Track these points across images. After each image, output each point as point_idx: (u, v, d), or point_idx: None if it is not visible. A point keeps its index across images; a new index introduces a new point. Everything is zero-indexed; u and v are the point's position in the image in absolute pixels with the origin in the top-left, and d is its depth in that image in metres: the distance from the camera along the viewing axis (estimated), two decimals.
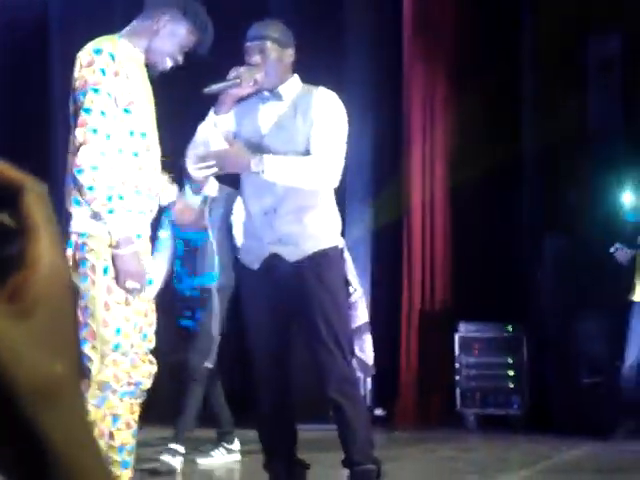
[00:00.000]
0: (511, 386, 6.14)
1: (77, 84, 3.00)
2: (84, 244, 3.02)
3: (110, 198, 2.96)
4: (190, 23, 3.16)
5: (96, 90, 2.98)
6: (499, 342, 6.19)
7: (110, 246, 3.00)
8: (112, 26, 3.29)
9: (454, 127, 6.56)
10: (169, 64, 3.19)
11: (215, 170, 3.33)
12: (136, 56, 3.15)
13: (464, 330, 6.26)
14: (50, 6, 6.87)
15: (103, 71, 2.98)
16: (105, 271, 2.99)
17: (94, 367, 3.00)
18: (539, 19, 6.26)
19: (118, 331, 3.02)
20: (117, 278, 2.99)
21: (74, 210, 3.07)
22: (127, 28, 3.16)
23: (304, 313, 3.39)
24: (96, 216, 2.98)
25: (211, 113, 3.41)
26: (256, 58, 3.37)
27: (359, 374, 3.65)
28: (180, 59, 3.19)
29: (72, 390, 0.49)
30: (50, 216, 0.50)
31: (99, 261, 2.99)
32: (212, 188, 4.87)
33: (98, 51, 3.01)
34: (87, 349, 3.02)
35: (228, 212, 4.82)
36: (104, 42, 3.04)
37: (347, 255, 3.53)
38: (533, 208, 6.30)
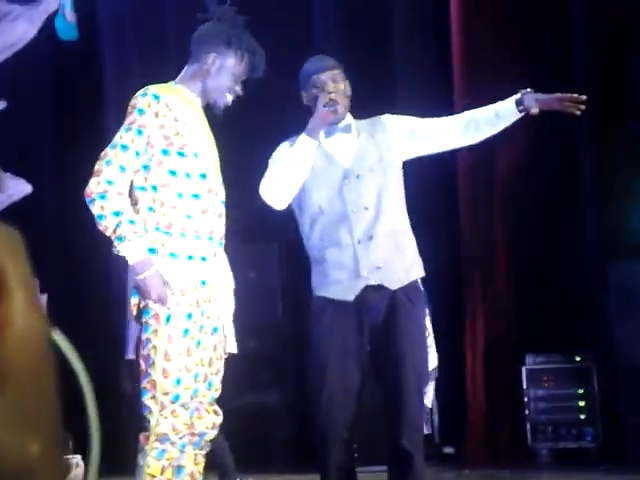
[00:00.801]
0: (583, 417, 5.98)
1: None
2: None
3: (119, 225, 2.94)
4: (237, 52, 3.14)
5: (127, 128, 3.01)
6: (568, 373, 6.04)
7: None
8: (167, 73, 3.30)
9: (508, 158, 6.46)
10: (229, 98, 3.18)
11: None
12: (192, 101, 3.13)
13: (531, 362, 6.12)
14: (104, 55, 6.95)
15: (141, 110, 3.01)
16: (168, 319, 2.96)
17: (153, 419, 2.96)
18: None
19: (178, 382, 2.98)
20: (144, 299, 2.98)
21: None
22: (180, 75, 3.19)
23: (392, 353, 3.22)
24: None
25: (304, 137, 3.29)
26: (339, 85, 3.35)
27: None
28: (239, 90, 3.19)
29: (50, 469, 0.42)
30: (24, 269, 0.43)
31: (162, 309, 2.95)
32: None
33: (144, 94, 3.04)
34: (147, 399, 2.99)
35: None
36: (153, 86, 3.07)
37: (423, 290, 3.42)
38: (594, 233, 6.17)
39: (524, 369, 6.11)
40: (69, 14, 6.10)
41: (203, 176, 3.08)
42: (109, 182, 2.95)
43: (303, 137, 3.28)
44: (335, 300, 3.30)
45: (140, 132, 2.99)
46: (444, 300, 6.55)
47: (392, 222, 3.29)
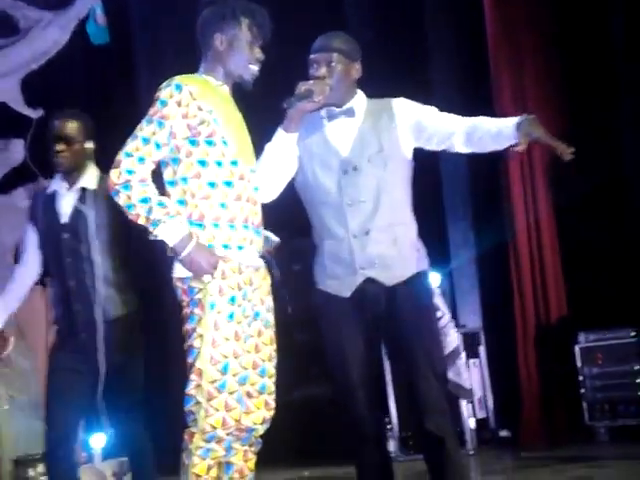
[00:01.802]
0: None
1: None
2: (191, 287, 2.96)
3: (150, 210, 2.92)
4: (235, 22, 3.10)
5: (149, 120, 2.98)
6: (623, 349, 5.94)
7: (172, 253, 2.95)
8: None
9: (551, 128, 6.37)
10: (254, 69, 3.14)
11: None
12: (218, 89, 3.10)
13: (584, 340, 6.03)
14: (137, 56, 6.96)
15: (163, 102, 2.98)
16: (212, 307, 2.92)
17: (200, 410, 2.89)
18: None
19: (225, 368, 2.92)
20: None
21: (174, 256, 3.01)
22: (201, 68, 3.15)
23: (399, 341, 3.20)
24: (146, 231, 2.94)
25: (280, 132, 3.26)
26: (323, 70, 3.24)
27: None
28: (260, 55, 3.15)
29: None
30: None
31: (206, 297, 2.92)
32: None
33: (167, 85, 3.01)
34: (191, 389, 2.92)
35: None
36: (176, 77, 3.03)
37: (431, 277, 3.36)
38: None
39: (577, 347, 6.03)
40: (100, 18, 6.11)
41: (234, 163, 3.04)
42: (129, 172, 2.93)
43: (279, 131, 3.25)
44: (333, 295, 3.28)
45: (161, 124, 2.95)
46: (493, 282, 6.50)
47: (391, 216, 3.22)
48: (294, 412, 6.17)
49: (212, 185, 3.00)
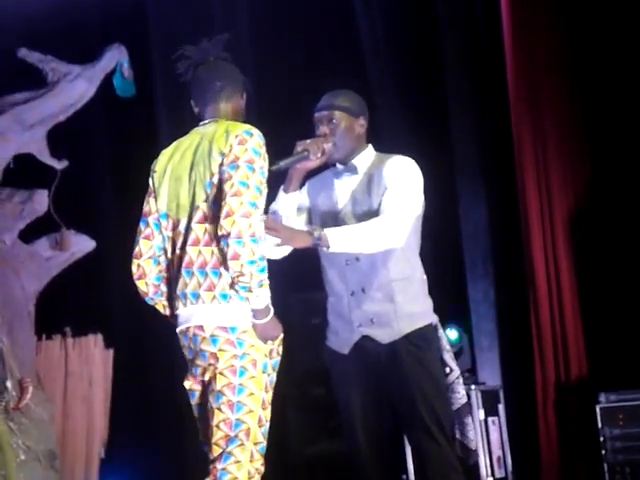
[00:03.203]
0: None
1: (226, 160, 2.96)
2: (240, 340, 2.92)
3: (263, 270, 2.89)
4: (245, 92, 3.29)
5: (250, 167, 2.94)
6: None
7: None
8: None
9: (572, 189, 6.38)
10: None
11: (284, 241, 3.13)
12: None
13: (605, 400, 5.96)
14: (162, 110, 7.04)
15: (256, 151, 2.98)
16: (265, 367, 2.93)
17: (241, 470, 2.88)
18: None
19: (265, 432, 2.95)
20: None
21: (215, 303, 2.96)
22: (221, 113, 3.20)
23: (402, 397, 3.21)
24: (236, 286, 2.90)
25: (281, 192, 3.33)
26: (324, 128, 3.30)
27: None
28: None
29: None
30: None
31: (260, 357, 2.92)
32: None
33: (249, 133, 3.01)
34: (234, 448, 2.89)
35: None
36: (249, 127, 3.06)
37: (441, 333, 3.35)
38: None
39: (598, 408, 5.96)
40: (127, 71, 6.20)
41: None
42: (259, 225, 2.92)
43: (280, 191, 3.33)
44: (336, 352, 3.31)
45: (263, 174, 2.97)
46: (513, 340, 6.46)
47: (388, 273, 3.23)
48: (311, 467, 6.12)
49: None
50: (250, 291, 2.87)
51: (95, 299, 6.79)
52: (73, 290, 6.57)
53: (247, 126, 3.06)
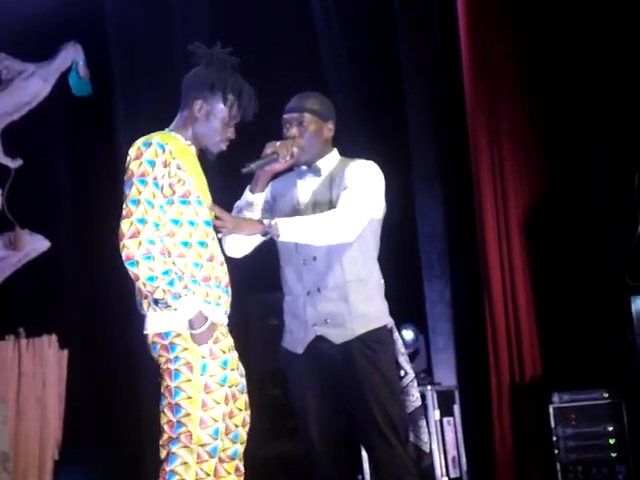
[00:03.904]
0: (614, 455, 5.87)
1: (125, 177, 2.98)
2: (173, 344, 2.94)
3: (171, 283, 2.90)
4: (222, 96, 3.10)
5: (142, 181, 2.94)
6: (596, 410, 5.93)
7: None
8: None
9: (527, 191, 6.44)
10: (222, 145, 3.15)
11: (231, 229, 3.13)
12: (187, 148, 3.11)
13: (558, 400, 6.02)
14: (118, 109, 6.99)
15: (150, 162, 2.96)
16: (204, 369, 2.91)
17: (189, 471, 2.88)
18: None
19: (216, 432, 2.92)
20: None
21: (149, 311, 2.99)
22: (173, 123, 3.16)
23: (355, 398, 3.22)
24: (158, 304, 2.92)
25: (247, 192, 3.34)
26: (293, 131, 3.31)
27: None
28: (231, 134, 3.15)
29: None
30: None
31: (195, 359, 2.91)
32: None
33: (147, 144, 2.98)
34: (178, 449, 2.90)
35: None
36: (154, 136, 3.03)
37: (397, 335, 3.37)
38: (616, 265, 6.11)
39: (551, 407, 6.02)
40: (82, 70, 6.15)
41: (208, 223, 3.06)
42: (150, 241, 2.90)
43: (246, 191, 3.35)
44: (291, 352, 3.32)
45: (157, 185, 2.95)
46: (468, 340, 6.51)
47: (343, 274, 3.25)
48: (269, 467, 6.12)
49: (186, 245, 3.01)
50: (169, 305, 2.90)
51: (50, 299, 6.73)
52: (27, 290, 6.50)
53: (152, 135, 3.03)
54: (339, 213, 3.16)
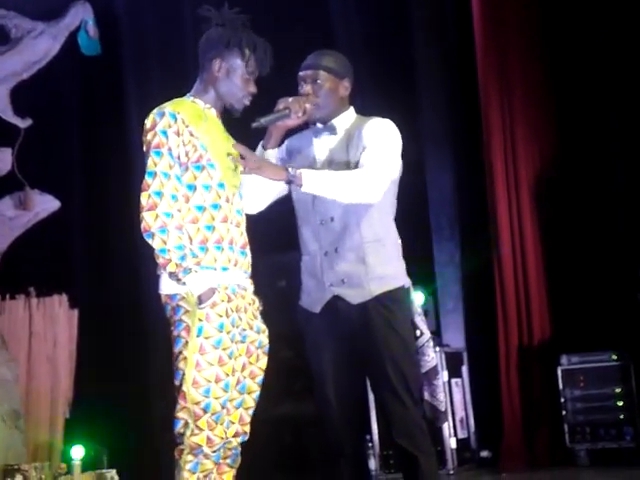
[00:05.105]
0: (622, 417, 5.90)
1: (144, 149, 3.04)
2: (178, 306, 3.01)
3: (183, 258, 2.96)
4: (239, 51, 3.14)
5: (157, 152, 3.00)
6: (605, 372, 5.96)
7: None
8: (189, 86, 3.28)
9: (538, 156, 6.41)
10: (245, 100, 3.19)
11: (254, 168, 3.13)
12: (206, 112, 3.13)
13: (566, 362, 6.05)
14: (127, 68, 6.97)
15: (164, 132, 3.02)
16: (200, 331, 2.98)
17: (188, 430, 2.97)
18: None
19: (207, 391, 2.99)
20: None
21: (162, 273, 3.04)
22: (194, 88, 3.19)
23: (371, 358, 3.21)
24: (172, 278, 2.97)
25: (259, 148, 3.33)
26: (307, 88, 3.29)
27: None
28: (252, 88, 3.19)
29: None
30: None
31: (194, 322, 2.97)
32: None
33: (160, 114, 3.04)
34: (178, 412, 3.00)
35: None
36: (167, 105, 3.07)
37: (413, 296, 3.37)
38: (626, 229, 6.10)
39: (559, 370, 6.04)
40: (92, 29, 6.12)
41: (221, 185, 3.10)
42: (167, 215, 2.97)
43: (259, 147, 3.32)
44: (309, 311, 3.32)
45: (172, 155, 3.01)
46: (477, 303, 6.51)
47: (361, 234, 3.23)
48: (278, 428, 6.16)
49: (200, 209, 3.06)
50: (179, 279, 2.96)
51: (60, 259, 6.75)
52: (37, 250, 6.52)
53: (166, 104, 3.08)
54: (364, 172, 3.15)
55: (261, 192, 3.30)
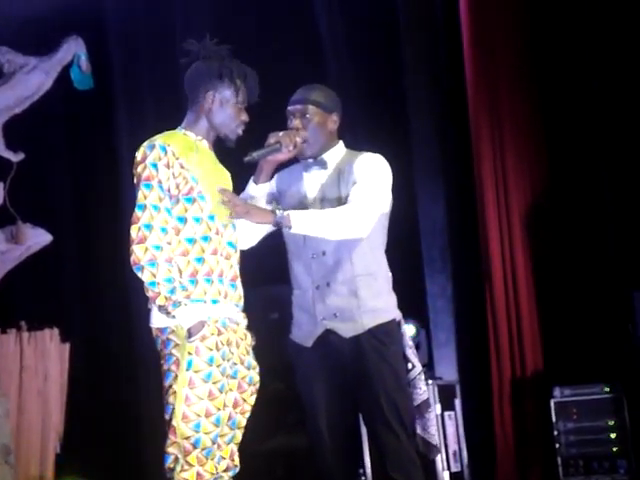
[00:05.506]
0: (615, 450, 5.88)
1: (135, 181, 3.06)
2: (169, 340, 3.01)
3: (172, 291, 2.96)
4: (231, 82, 3.17)
5: (148, 185, 3.02)
6: (597, 404, 5.94)
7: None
8: (182, 120, 3.30)
9: (529, 186, 6.43)
10: (238, 129, 3.22)
11: (241, 214, 3.15)
12: (197, 143, 3.15)
13: (559, 395, 6.04)
14: (119, 103, 6.99)
15: (154, 165, 3.03)
16: (189, 364, 2.97)
17: (178, 465, 2.96)
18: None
19: (197, 426, 2.97)
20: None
21: (153, 306, 3.05)
22: (185, 120, 3.22)
23: (364, 390, 3.23)
24: (162, 311, 2.97)
25: (251, 183, 3.35)
26: (296, 122, 3.32)
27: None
28: (245, 117, 3.22)
29: None
30: None
31: (184, 355, 2.97)
32: None
33: (151, 147, 3.05)
34: (169, 447, 2.98)
35: None
36: (158, 137, 3.09)
37: (404, 329, 3.37)
38: (618, 259, 6.11)
39: (552, 402, 6.03)
40: (84, 64, 6.15)
41: (211, 218, 3.11)
42: (157, 247, 2.98)
43: (250, 182, 3.35)
44: (300, 345, 3.33)
45: (162, 188, 3.02)
46: (470, 335, 6.51)
47: (353, 268, 3.25)
48: (270, 461, 6.12)
49: (190, 241, 3.07)
50: (168, 312, 2.96)
51: (51, 293, 6.74)
52: (29, 284, 6.51)
53: (157, 137, 3.10)
54: (352, 208, 3.17)
55: (252, 229, 3.32)
